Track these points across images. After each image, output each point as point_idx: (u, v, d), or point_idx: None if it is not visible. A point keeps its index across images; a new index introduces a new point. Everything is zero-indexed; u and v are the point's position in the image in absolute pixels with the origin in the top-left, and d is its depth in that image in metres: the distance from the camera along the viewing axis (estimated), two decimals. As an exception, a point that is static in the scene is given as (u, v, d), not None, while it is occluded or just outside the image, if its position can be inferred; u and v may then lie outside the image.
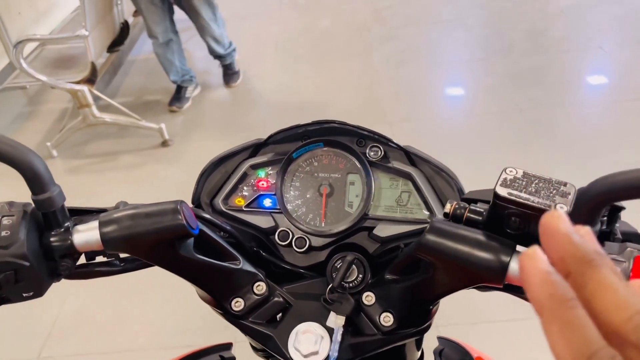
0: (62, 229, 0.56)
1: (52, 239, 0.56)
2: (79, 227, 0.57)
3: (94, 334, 2.14)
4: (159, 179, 2.98)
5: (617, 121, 2.90)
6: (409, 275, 0.58)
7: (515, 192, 0.50)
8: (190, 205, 0.74)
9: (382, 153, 0.72)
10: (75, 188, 2.96)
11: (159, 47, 3.38)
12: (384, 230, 0.70)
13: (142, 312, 2.19)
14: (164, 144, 3.22)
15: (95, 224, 0.56)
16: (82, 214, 0.62)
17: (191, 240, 0.59)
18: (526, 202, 0.49)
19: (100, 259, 0.61)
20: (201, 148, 3.20)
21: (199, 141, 3.28)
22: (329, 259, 0.68)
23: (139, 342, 2.08)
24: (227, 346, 0.92)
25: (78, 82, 2.99)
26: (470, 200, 0.59)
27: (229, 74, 3.77)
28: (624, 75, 3.31)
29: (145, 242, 0.56)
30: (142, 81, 4.04)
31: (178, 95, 3.59)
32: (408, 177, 0.71)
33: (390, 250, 0.69)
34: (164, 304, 2.18)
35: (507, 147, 2.81)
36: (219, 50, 3.59)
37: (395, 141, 0.72)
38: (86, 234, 0.56)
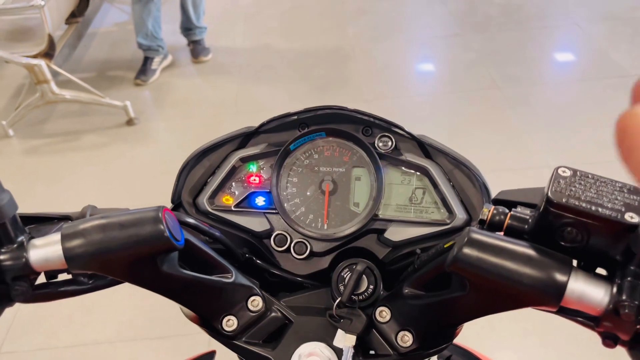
0: (15, 245, 0.46)
1: (1, 258, 0.45)
2: (36, 241, 0.46)
3: (59, 326, 2.01)
4: (125, 160, 2.82)
5: (594, 98, 2.88)
6: (434, 292, 0.50)
7: (573, 198, 0.41)
8: (170, 205, 0.64)
9: (393, 144, 0.62)
10: (34, 171, 2.80)
11: (137, 3, 3.24)
12: (396, 234, 0.61)
13: (109, 302, 2.07)
14: (130, 122, 3.06)
15: (56, 237, 0.45)
16: (40, 222, 0.51)
17: (175, 254, 0.49)
18: (588, 211, 0.40)
19: (63, 276, 0.51)
20: (169, 127, 3.06)
21: (167, 120, 3.12)
22: (333, 266, 0.59)
23: (107, 334, 1.97)
24: (211, 355, 0.83)
25: (34, 56, 2.80)
26: (507, 203, 0.50)
27: (199, 49, 3.61)
28: (600, 52, 3.29)
29: (120, 259, 0.46)
30: (105, 55, 3.83)
31: (144, 68, 3.43)
32: (423, 171, 0.62)
33: (403, 256, 0.61)
34: (133, 292, 2.06)
35: (486, 124, 2.77)
36: (194, 19, 3.48)
37: (407, 129, 0.63)
38: (45, 250, 0.45)
